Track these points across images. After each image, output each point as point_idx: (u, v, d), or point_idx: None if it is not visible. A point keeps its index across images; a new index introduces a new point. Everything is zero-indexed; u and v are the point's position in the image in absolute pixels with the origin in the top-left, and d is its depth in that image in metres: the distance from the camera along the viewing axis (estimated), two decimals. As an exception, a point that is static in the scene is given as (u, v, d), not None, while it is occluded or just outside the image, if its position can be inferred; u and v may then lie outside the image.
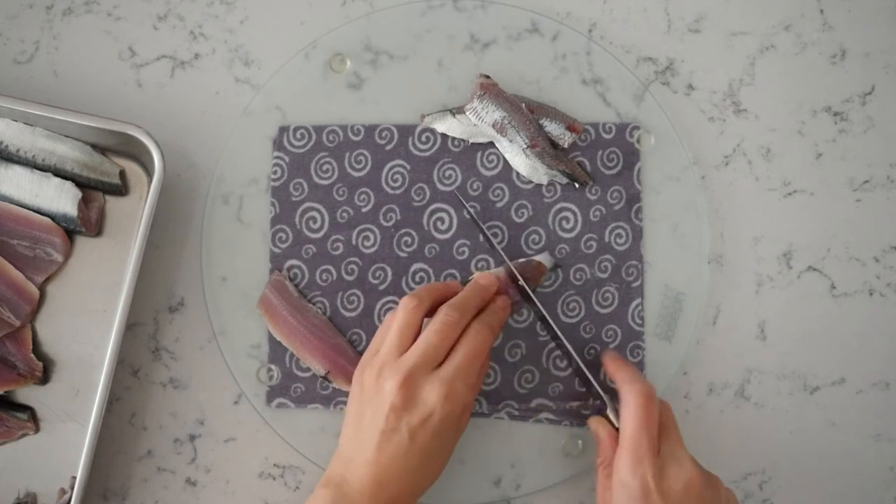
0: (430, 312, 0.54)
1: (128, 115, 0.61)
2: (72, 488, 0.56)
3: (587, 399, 0.59)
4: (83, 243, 0.61)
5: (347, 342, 0.60)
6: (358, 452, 0.51)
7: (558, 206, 0.61)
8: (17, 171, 0.58)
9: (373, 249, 0.61)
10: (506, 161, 0.61)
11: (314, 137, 0.61)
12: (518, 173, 0.60)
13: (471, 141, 0.61)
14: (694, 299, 0.60)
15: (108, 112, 0.60)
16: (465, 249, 0.61)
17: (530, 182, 0.61)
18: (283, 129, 0.61)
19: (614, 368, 0.55)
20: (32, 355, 0.58)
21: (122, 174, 0.61)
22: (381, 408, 0.50)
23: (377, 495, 0.50)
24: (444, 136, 0.61)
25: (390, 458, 0.50)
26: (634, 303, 0.60)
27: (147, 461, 0.60)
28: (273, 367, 0.60)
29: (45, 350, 0.59)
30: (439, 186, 0.61)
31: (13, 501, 0.58)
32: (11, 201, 0.58)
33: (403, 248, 0.61)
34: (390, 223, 0.61)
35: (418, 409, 0.50)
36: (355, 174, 0.61)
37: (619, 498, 0.50)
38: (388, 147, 0.61)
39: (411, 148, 0.61)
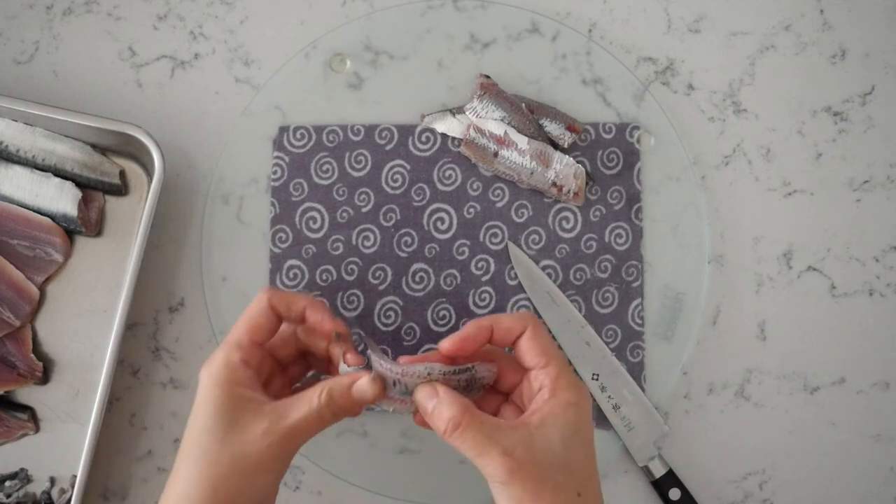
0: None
1: (128, 115, 0.61)
2: (72, 487, 0.56)
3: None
4: (83, 243, 0.61)
5: None
6: None
7: (558, 206, 0.61)
8: (17, 171, 0.58)
9: (373, 249, 0.61)
10: (506, 161, 0.61)
11: (314, 137, 0.61)
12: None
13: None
14: (694, 299, 0.60)
15: (108, 112, 0.60)
16: (465, 249, 0.61)
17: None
18: (283, 129, 0.61)
19: (475, 329, 0.47)
20: (32, 355, 0.58)
21: (122, 174, 0.61)
22: None
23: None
24: (444, 136, 0.61)
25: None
26: (634, 303, 0.60)
27: (147, 461, 0.60)
28: (273, 367, 0.60)
29: (45, 350, 0.59)
30: (439, 186, 0.61)
31: (14, 501, 0.58)
32: (11, 201, 0.58)
33: (403, 248, 0.61)
34: (390, 223, 0.61)
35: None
36: (355, 174, 0.61)
37: (566, 416, 0.45)
38: (388, 147, 0.61)
39: (411, 148, 0.61)
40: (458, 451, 0.45)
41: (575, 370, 0.59)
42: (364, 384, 0.46)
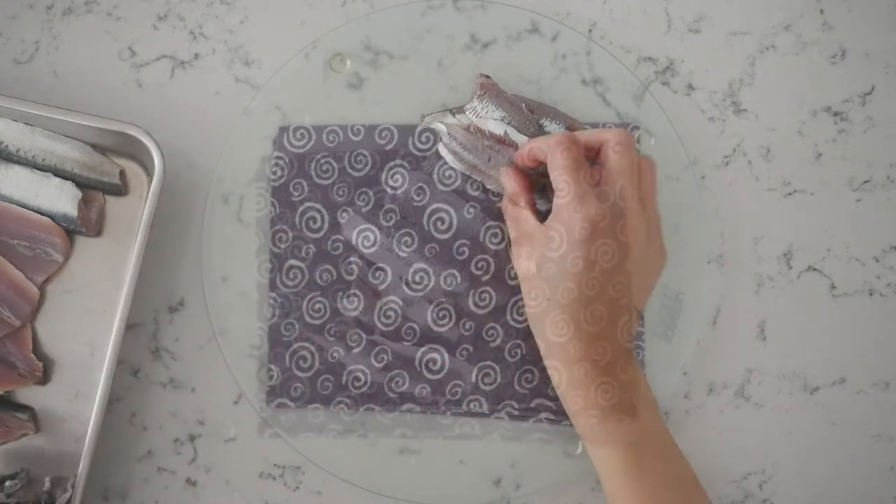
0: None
1: (128, 115, 0.61)
2: (72, 487, 0.56)
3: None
4: (83, 243, 0.61)
5: None
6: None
7: (558, 206, 0.61)
8: (17, 171, 0.58)
9: (373, 249, 0.61)
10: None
11: (314, 137, 0.61)
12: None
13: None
14: (694, 299, 0.60)
15: (108, 112, 0.60)
16: (465, 249, 0.61)
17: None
18: (283, 129, 0.61)
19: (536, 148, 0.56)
20: (32, 355, 0.58)
21: (122, 174, 0.61)
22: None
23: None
24: (444, 136, 0.61)
25: None
26: (634, 303, 0.60)
27: (147, 461, 0.60)
28: (273, 367, 0.60)
29: (45, 350, 0.59)
30: (439, 186, 0.61)
31: (14, 501, 0.58)
32: (11, 201, 0.58)
33: (403, 248, 0.61)
34: (390, 223, 0.61)
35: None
36: (355, 174, 0.61)
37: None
38: (388, 147, 0.61)
39: (411, 148, 0.61)
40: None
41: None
42: None
